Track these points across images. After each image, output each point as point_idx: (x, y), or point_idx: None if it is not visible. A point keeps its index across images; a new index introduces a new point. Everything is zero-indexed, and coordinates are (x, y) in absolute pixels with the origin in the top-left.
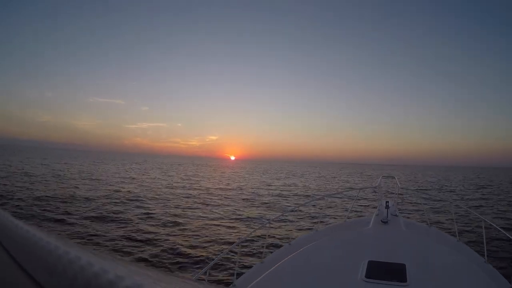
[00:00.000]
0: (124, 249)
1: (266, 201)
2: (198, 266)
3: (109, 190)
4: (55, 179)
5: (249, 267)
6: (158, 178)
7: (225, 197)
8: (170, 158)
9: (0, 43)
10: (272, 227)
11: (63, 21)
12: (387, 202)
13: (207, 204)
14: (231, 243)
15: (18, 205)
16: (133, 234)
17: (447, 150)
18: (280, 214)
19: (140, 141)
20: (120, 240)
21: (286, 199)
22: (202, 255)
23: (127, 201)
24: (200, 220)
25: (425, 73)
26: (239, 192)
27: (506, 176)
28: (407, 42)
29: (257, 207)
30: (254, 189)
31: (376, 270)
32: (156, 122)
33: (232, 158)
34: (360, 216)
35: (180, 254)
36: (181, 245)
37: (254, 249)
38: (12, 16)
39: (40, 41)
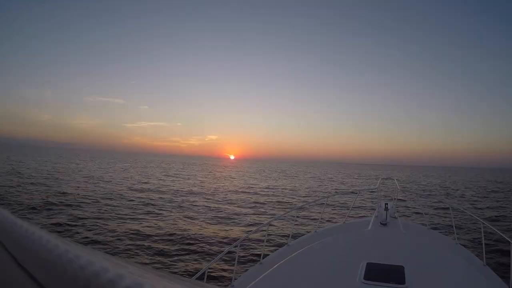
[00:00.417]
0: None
1: (225, 216)
2: (196, 266)
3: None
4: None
5: (248, 268)
6: (125, 177)
7: (173, 206)
8: (166, 157)
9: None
10: (271, 228)
11: (62, 21)
12: (386, 204)
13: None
14: (229, 244)
15: None
16: None
17: (447, 150)
18: (279, 215)
19: (139, 140)
20: None
21: (260, 210)
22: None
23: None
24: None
25: (425, 73)
26: (205, 199)
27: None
28: (408, 42)
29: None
30: (229, 193)
31: (375, 272)
32: (156, 121)
33: (232, 157)
34: (359, 218)
35: None
36: None
37: (252, 250)
38: (12, 16)
39: (39, 41)
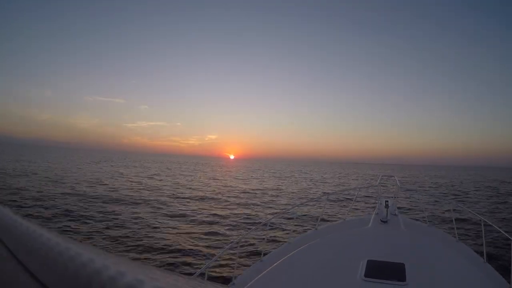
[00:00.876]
0: None
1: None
2: (197, 264)
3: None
4: None
5: (249, 265)
6: (91, 176)
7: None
8: (162, 157)
9: (0, 42)
10: (271, 226)
11: (62, 21)
12: (386, 201)
13: None
14: (229, 242)
15: None
16: None
17: (446, 150)
18: (280, 212)
19: (139, 140)
20: None
21: (201, 233)
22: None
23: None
24: None
25: (425, 73)
26: (151, 207)
27: None
28: (408, 43)
29: None
30: (192, 201)
31: (375, 269)
32: (156, 121)
33: (232, 157)
34: (360, 215)
35: None
36: None
37: (253, 247)
38: (12, 16)
39: (39, 41)
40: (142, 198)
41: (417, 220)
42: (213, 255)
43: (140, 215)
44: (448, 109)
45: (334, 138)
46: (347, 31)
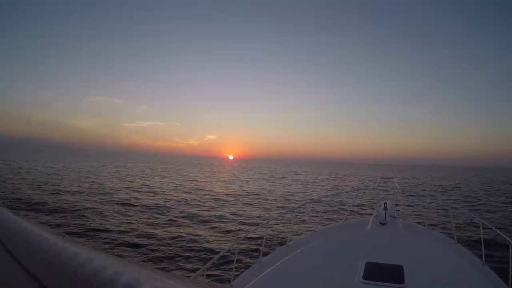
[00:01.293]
0: None
1: None
2: (195, 265)
3: None
4: None
5: (247, 267)
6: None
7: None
8: (159, 157)
9: None
10: (270, 228)
11: (61, 21)
12: (385, 203)
13: None
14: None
15: None
16: None
17: (446, 150)
18: (279, 214)
19: (138, 140)
20: None
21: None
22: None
23: None
24: None
25: (425, 73)
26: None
27: None
28: (408, 42)
29: None
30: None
31: (374, 271)
32: (155, 121)
33: (231, 157)
34: (359, 217)
35: None
36: None
37: (251, 249)
38: (10, 16)
39: (38, 41)
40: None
41: (415, 222)
42: (212, 256)
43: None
44: (448, 109)
45: (334, 139)
46: (347, 31)
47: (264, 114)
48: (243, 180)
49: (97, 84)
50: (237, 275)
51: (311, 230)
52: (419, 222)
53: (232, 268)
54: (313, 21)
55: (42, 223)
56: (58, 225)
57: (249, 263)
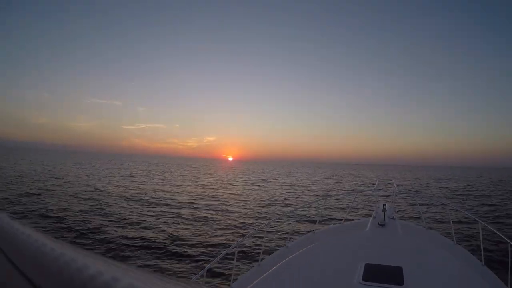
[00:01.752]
0: None
1: None
2: (194, 268)
3: None
4: None
5: (246, 269)
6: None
7: None
8: (157, 159)
9: None
10: (269, 230)
11: (61, 22)
12: (384, 205)
13: None
14: (227, 246)
15: None
16: None
17: (445, 150)
18: (278, 216)
19: (137, 142)
20: None
21: None
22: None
23: None
24: None
25: (425, 73)
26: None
27: None
28: (408, 42)
29: None
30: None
31: (373, 273)
32: (154, 123)
33: (230, 159)
34: (358, 219)
35: None
36: None
37: (251, 251)
38: (9, 17)
39: (37, 43)
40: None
41: (414, 223)
42: (211, 259)
43: None
44: (448, 109)
45: (334, 140)
46: (347, 31)
47: (264, 115)
48: (225, 181)
49: (96, 86)
50: (237, 277)
51: (311, 232)
52: (418, 223)
53: (231, 271)
54: (314, 21)
55: (40, 228)
56: None
57: (249, 265)
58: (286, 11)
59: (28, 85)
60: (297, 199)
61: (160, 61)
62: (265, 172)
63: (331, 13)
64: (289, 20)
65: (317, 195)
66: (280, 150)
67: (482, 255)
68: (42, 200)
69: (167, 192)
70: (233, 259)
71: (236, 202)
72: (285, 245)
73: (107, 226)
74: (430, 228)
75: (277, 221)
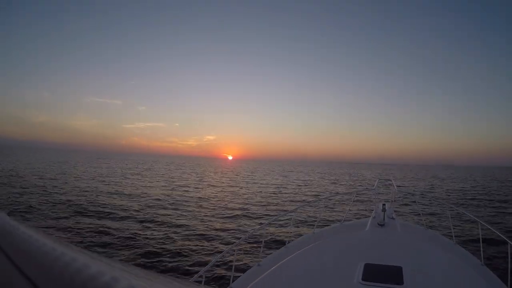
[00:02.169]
0: None
1: None
2: (194, 268)
3: None
4: None
5: (246, 269)
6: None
7: None
8: (156, 158)
9: None
10: (269, 229)
11: (61, 22)
12: (383, 205)
13: None
14: (227, 245)
15: None
16: None
17: (445, 149)
18: (277, 216)
19: (137, 141)
20: None
21: None
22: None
23: None
24: None
25: (425, 73)
26: None
27: None
28: (408, 42)
29: None
30: None
31: (373, 272)
32: (153, 122)
33: (230, 158)
34: (357, 219)
35: None
36: None
37: (250, 251)
38: (10, 16)
39: (37, 42)
40: None
41: (414, 223)
42: (211, 259)
43: None
44: (448, 109)
45: (334, 138)
46: (347, 31)
47: (264, 115)
48: (203, 183)
49: (96, 85)
50: (236, 277)
51: (310, 232)
52: (417, 223)
53: (231, 271)
54: (313, 21)
55: (40, 227)
56: None
57: (248, 265)
58: (286, 11)
59: (28, 85)
60: (276, 208)
61: (160, 61)
62: (257, 172)
63: (331, 13)
64: (289, 20)
65: (303, 200)
66: (280, 149)
67: (482, 254)
68: None
69: (123, 194)
70: (232, 259)
71: (191, 210)
72: (284, 245)
73: None
74: (430, 227)
75: (276, 221)
